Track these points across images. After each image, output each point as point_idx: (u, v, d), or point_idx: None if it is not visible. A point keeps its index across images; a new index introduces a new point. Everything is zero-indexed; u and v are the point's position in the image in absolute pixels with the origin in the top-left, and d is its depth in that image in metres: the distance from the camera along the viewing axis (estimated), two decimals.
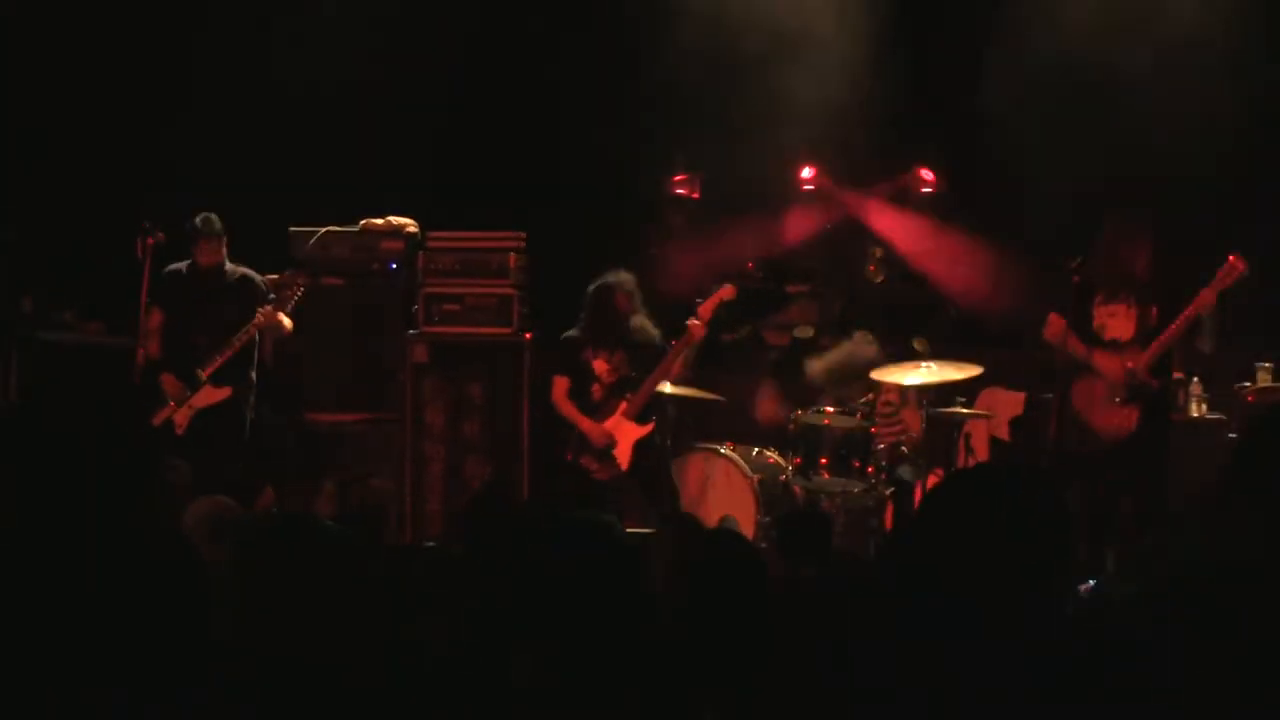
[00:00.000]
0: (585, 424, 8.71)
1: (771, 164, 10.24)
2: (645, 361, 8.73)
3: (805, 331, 10.14)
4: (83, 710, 2.60)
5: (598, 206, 9.91)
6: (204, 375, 8.56)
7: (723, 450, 9.23)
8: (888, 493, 8.91)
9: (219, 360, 8.57)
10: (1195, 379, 9.02)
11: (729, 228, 10.37)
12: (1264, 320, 8.75)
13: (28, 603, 2.75)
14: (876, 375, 9.05)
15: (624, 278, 8.75)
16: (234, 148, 10.05)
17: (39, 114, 10.08)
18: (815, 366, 9.43)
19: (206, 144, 10.03)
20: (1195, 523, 2.77)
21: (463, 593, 2.98)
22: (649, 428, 8.74)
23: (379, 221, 9.75)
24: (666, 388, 8.91)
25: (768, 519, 8.92)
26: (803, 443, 8.97)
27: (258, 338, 8.77)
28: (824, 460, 8.91)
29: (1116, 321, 7.94)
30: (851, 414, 9.07)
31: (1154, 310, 7.88)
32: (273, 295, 8.77)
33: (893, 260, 10.38)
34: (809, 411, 9.10)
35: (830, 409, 9.13)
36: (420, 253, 9.69)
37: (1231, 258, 7.66)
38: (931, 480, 8.67)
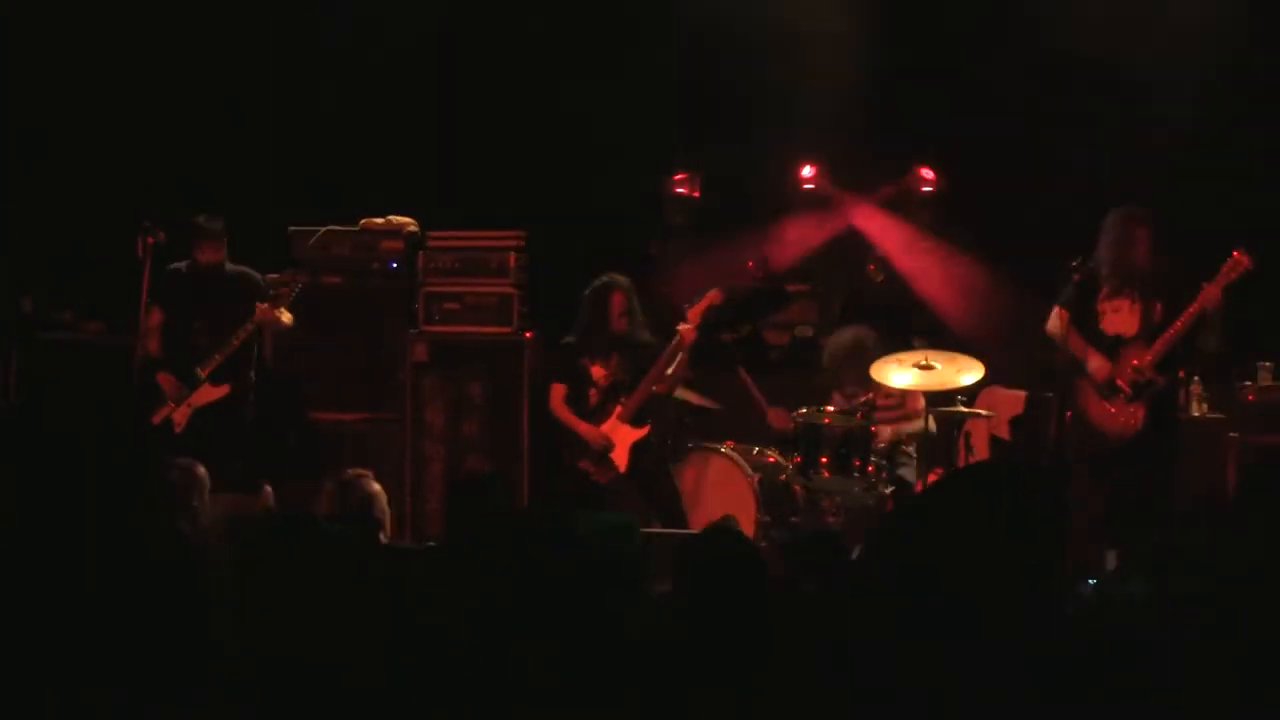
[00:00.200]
0: (583, 428, 8.71)
1: (772, 164, 10.25)
2: (640, 365, 8.73)
3: (805, 331, 10.14)
4: (83, 710, 2.61)
5: (598, 206, 9.91)
6: (203, 374, 8.56)
7: (723, 450, 9.22)
8: (888, 492, 8.91)
9: (218, 358, 8.57)
10: (1196, 378, 9.01)
11: (729, 228, 10.38)
12: (1264, 320, 8.73)
13: (28, 602, 2.75)
14: (878, 374, 9.05)
15: (620, 279, 8.75)
16: (233, 147, 10.06)
17: (39, 114, 10.07)
18: (828, 346, 9.48)
19: (206, 143, 10.04)
20: (1203, 525, 2.76)
21: (463, 592, 2.98)
22: (645, 430, 8.73)
23: (379, 221, 9.74)
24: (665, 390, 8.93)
25: (768, 518, 8.92)
26: (803, 442, 8.97)
27: (257, 336, 8.77)
28: (824, 459, 8.90)
29: (1120, 317, 7.93)
30: (852, 413, 9.07)
31: (1158, 306, 7.87)
32: (271, 292, 8.77)
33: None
34: (810, 411, 9.10)
35: (831, 408, 9.13)
36: (420, 252, 9.69)
37: (1236, 253, 7.65)
38: (932, 480, 8.67)
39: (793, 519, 9.03)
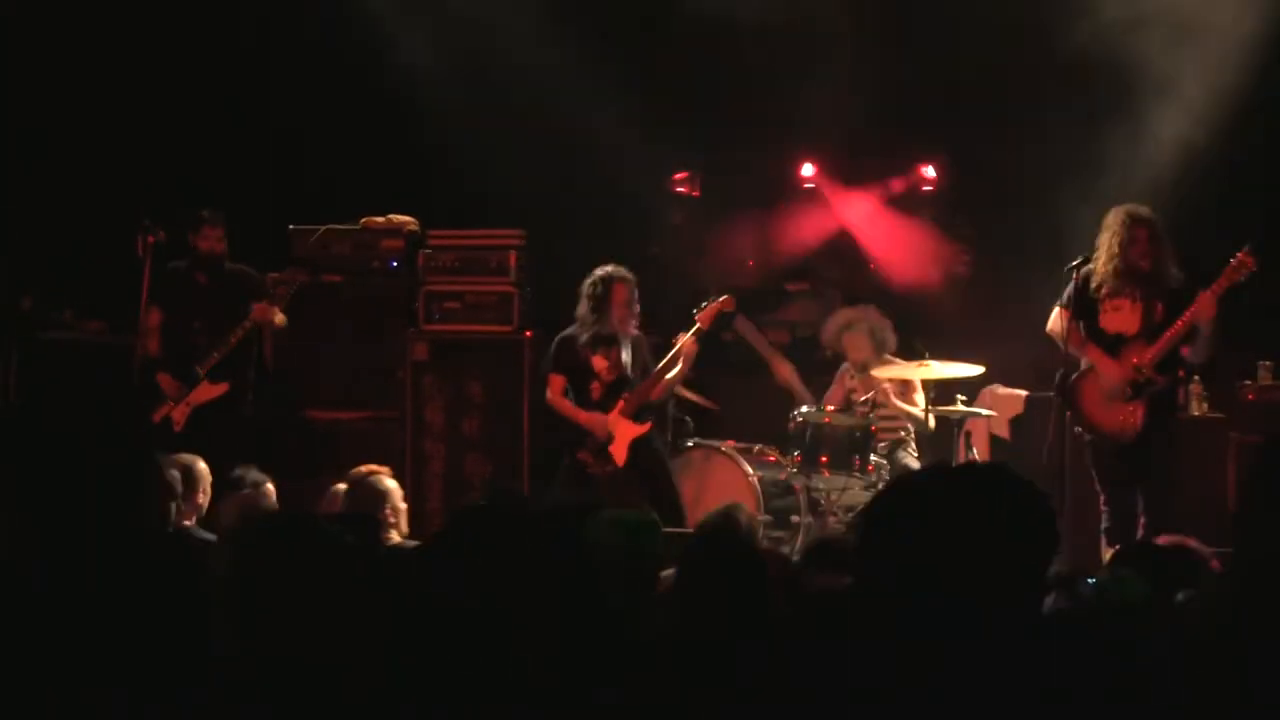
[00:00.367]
0: (583, 416, 8.70)
1: (772, 162, 10.25)
2: (644, 361, 8.74)
3: (805, 330, 10.14)
4: (83, 710, 2.60)
5: (598, 204, 9.91)
6: (202, 372, 8.56)
7: (723, 448, 9.23)
8: None
9: (216, 357, 8.57)
10: (1196, 377, 9.01)
11: (729, 226, 10.38)
12: (1264, 320, 8.72)
13: (27, 602, 2.75)
14: (879, 373, 9.05)
15: (623, 271, 8.76)
16: (233, 147, 10.05)
17: (39, 114, 10.07)
18: (832, 323, 9.49)
19: (206, 143, 10.03)
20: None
21: (462, 590, 2.97)
22: (645, 427, 8.73)
23: (379, 219, 9.75)
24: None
25: (768, 517, 8.92)
26: (803, 440, 8.98)
27: (256, 334, 8.78)
28: (824, 458, 8.91)
29: (1121, 315, 7.93)
30: (852, 412, 9.08)
31: (1159, 306, 7.87)
32: (270, 291, 8.78)
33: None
34: (810, 410, 9.11)
35: (831, 407, 9.14)
36: (420, 251, 9.69)
37: (1240, 254, 7.64)
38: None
39: (794, 519, 9.04)
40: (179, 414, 8.54)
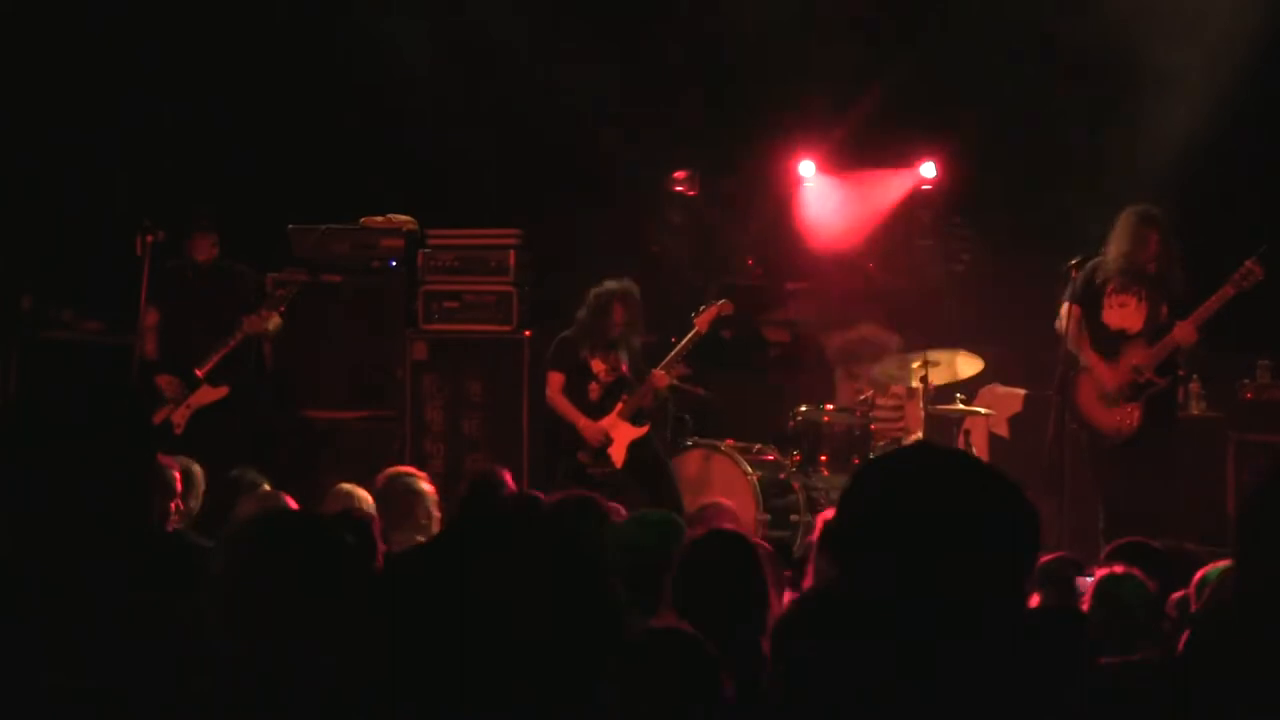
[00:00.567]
0: (582, 423, 8.71)
1: (772, 161, 10.24)
2: (642, 365, 8.74)
3: (804, 329, 10.14)
4: (80, 710, 2.60)
5: (597, 203, 9.90)
6: (201, 374, 8.56)
7: (722, 447, 9.23)
8: None
9: (214, 359, 8.56)
10: (1195, 377, 9.01)
11: (729, 225, 10.38)
12: (1264, 320, 8.71)
13: (26, 602, 2.75)
14: (879, 373, 9.06)
15: (628, 286, 8.72)
16: (233, 146, 10.05)
17: (38, 113, 10.06)
18: (833, 341, 9.49)
19: (206, 142, 10.03)
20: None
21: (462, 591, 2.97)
22: (644, 429, 8.74)
23: (378, 219, 9.75)
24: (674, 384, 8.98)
25: (767, 516, 8.92)
26: (802, 439, 8.98)
27: (253, 338, 8.78)
28: (823, 457, 8.92)
29: (1125, 312, 7.94)
30: (851, 411, 9.08)
31: (1163, 307, 7.88)
32: (267, 293, 8.77)
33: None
34: (809, 409, 9.11)
35: (830, 406, 9.14)
36: (420, 250, 9.69)
37: (1249, 262, 7.64)
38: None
39: (793, 517, 9.04)
40: (179, 416, 8.53)
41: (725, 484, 9.11)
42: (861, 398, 9.19)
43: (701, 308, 8.79)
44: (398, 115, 10.20)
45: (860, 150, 10.34)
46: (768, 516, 8.93)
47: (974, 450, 9.05)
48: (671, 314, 9.33)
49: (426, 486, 6.27)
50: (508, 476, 6.48)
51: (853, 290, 10.27)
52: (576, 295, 8.83)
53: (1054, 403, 8.12)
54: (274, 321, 8.79)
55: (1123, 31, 9.24)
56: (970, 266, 10.50)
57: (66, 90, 10.02)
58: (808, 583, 4.92)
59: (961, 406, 9.03)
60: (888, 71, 9.86)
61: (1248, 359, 8.95)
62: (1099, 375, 7.91)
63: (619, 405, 8.70)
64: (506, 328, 9.51)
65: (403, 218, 9.75)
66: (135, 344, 8.63)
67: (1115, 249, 7.92)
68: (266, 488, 6.44)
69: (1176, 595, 4.64)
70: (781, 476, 9.10)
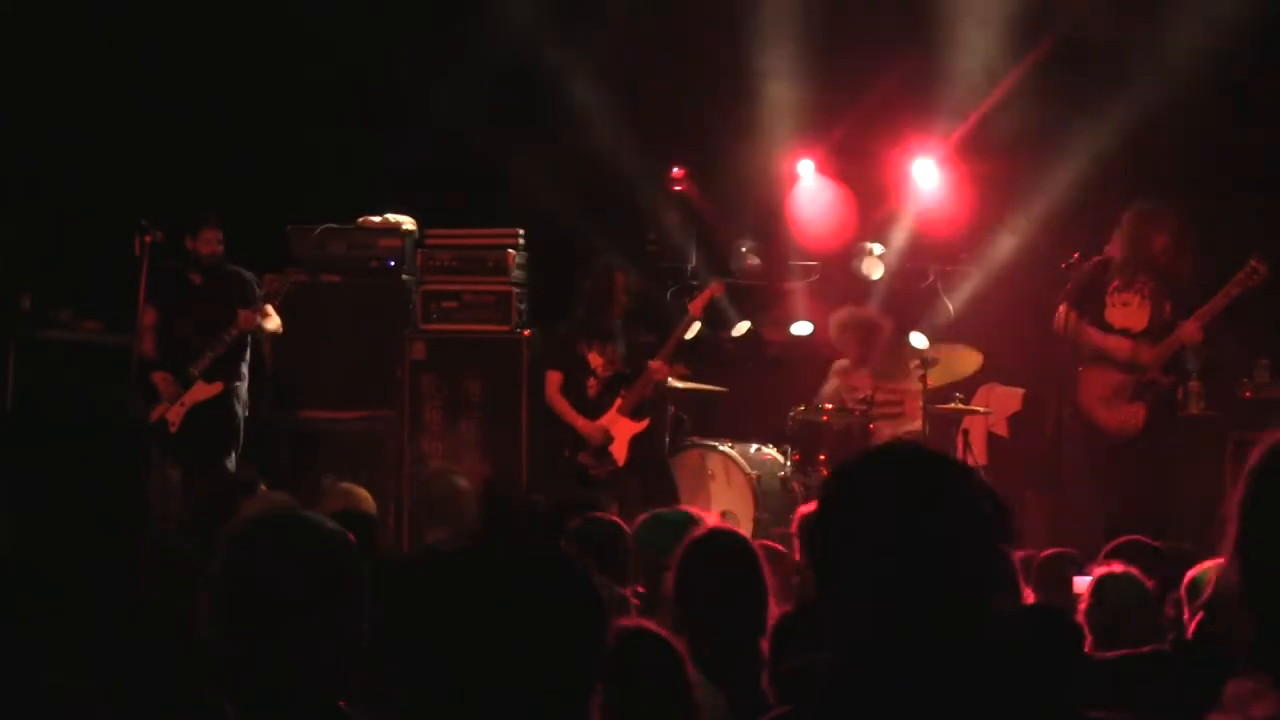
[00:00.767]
0: (580, 422, 8.69)
1: (770, 158, 10.23)
2: (640, 358, 8.74)
3: (803, 328, 10.13)
4: (77, 709, 2.60)
5: (595, 202, 9.90)
6: (195, 373, 8.57)
7: (721, 447, 9.23)
8: None
9: (210, 357, 8.57)
10: (1194, 375, 9.00)
11: (726, 223, 10.37)
12: (1264, 319, 8.71)
13: (25, 602, 2.75)
14: (881, 373, 9.06)
15: (622, 262, 8.79)
16: (232, 145, 10.05)
17: (38, 112, 10.06)
18: (839, 317, 9.50)
19: (205, 142, 10.03)
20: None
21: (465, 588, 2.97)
22: (644, 424, 8.73)
23: (376, 219, 9.75)
24: (674, 383, 8.98)
25: (765, 515, 8.93)
26: (801, 439, 8.98)
27: (249, 336, 8.79)
28: (822, 456, 8.91)
29: (1129, 310, 7.94)
30: (849, 410, 9.08)
31: (1168, 305, 7.87)
32: (261, 293, 8.78)
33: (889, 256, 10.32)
34: (807, 408, 9.11)
35: (829, 405, 9.14)
36: (418, 250, 9.69)
37: (1253, 260, 7.62)
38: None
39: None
40: (174, 414, 8.54)
41: (724, 483, 9.12)
42: (861, 397, 9.19)
43: (694, 294, 8.82)
44: (397, 115, 10.20)
45: (860, 149, 10.32)
46: (766, 516, 8.93)
47: (973, 450, 9.04)
48: (668, 311, 9.34)
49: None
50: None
51: (851, 289, 10.25)
52: (575, 294, 8.82)
53: (1053, 401, 8.12)
54: (274, 322, 8.80)
55: (1120, 15, 9.21)
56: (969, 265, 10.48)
57: (66, 90, 10.02)
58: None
59: (960, 405, 9.03)
60: (888, 69, 9.84)
61: (1247, 358, 8.95)
62: (1111, 349, 7.83)
63: (618, 401, 8.69)
64: (505, 328, 9.51)
65: (401, 217, 9.75)
66: (133, 344, 8.64)
67: (1121, 246, 7.90)
68: (263, 488, 6.45)
69: (1174, 594, 4.64)
70: (781, 475, 9.11)
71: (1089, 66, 9.49)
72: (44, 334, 9.57)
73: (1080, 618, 4.38)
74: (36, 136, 10.01)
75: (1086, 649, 4.19)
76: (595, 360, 8.74)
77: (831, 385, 9.51)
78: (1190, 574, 4.47)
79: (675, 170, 10.41)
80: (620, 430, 8.68)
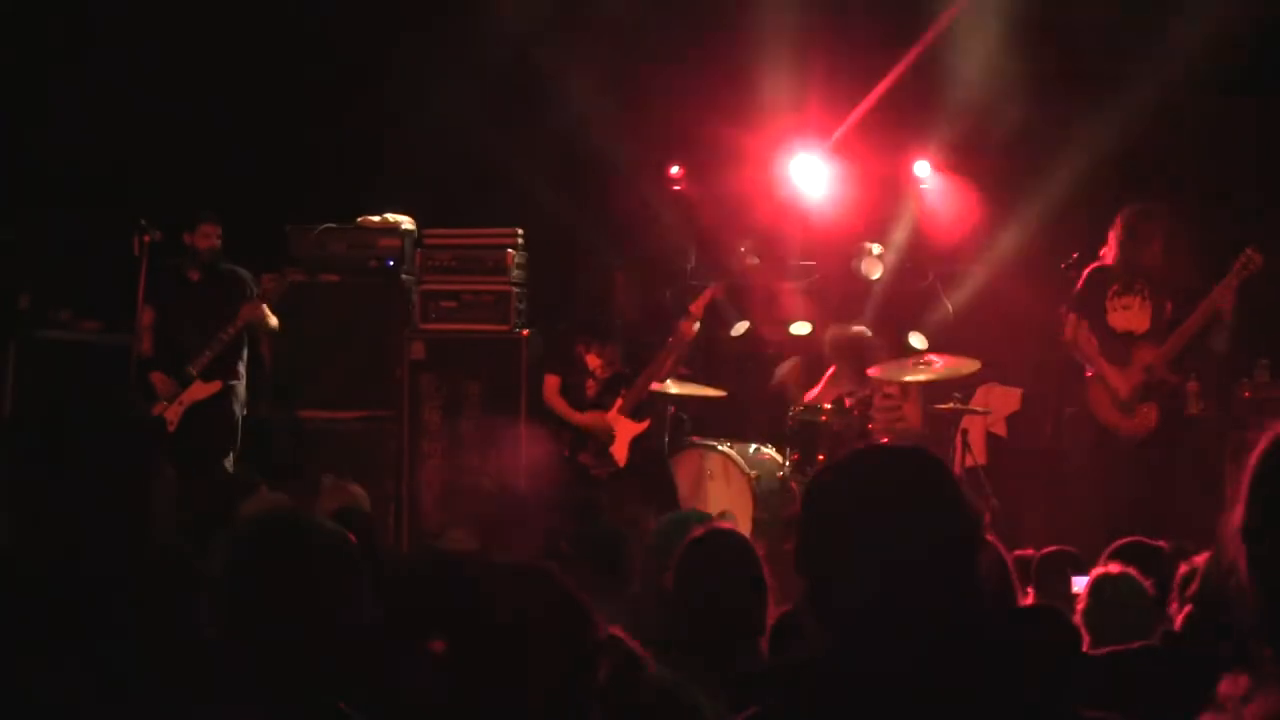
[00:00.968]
0: (578, 417, 8.69)
1: (769, 157, 10.23)
2: (639, 358, 8.74)
3: (802, 328, 10.13)
4: (78, 709, 2.60)
5: (594, 201, 9.90)
6: (194, 371, 8.58)
7: (720, 447, 9.23)
8: None
9: (208, 355, 8.59)
10: (1193, 375, 9.00)
11: (725, 222, 10.37)
12: (1263, 318, 8.71)
13: (24, 602, 2.75)
14: (880, 372, 9.05)
15: (622, 263, 8.79)
16: (231, 145, 10.05)
17: (37, 112, 10.06)
18: (830, 333, 9.48)
19: (205, 142, 10.03)
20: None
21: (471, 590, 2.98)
22: (644, 425, 8.73)
23: (375, 219, 9.75)
24: (671, 387, 8.96)
25: (764, 515, 8.92)
26: (800, 439, 8.98)
27: (249, 333, 8.80)
28: (821, 456, 8.90)
29: (1130, 314, 7.94)
30: (849, 411, 9.08)
31: (1168, 305, 7.88)
32: (258, 290, 8.79)
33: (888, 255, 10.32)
34: (806, 408, 9.11)
35: (828, 405, 9.13)
36: (417, 250, 9.69)
37: (1248, 250, 7.63)
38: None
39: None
40: (172, 413, 8.55)
41: (723, 483, 9.12)
42: (860, 396, 9.18)
43: (694, 293, 8.82)
44: (397, 115, 10.20)
45: (859, 149, 10.32)
46: (765, 516, 8.93)
47: (972, 450, 9.04)
48: (667, 311, 9.33)
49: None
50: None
51: (851, 289, 10.25)
52: (574, 294, 8.83)
53: (1052, 401, 8.12)
54: (273, 319, 8.81)
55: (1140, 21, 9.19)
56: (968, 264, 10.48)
57: (66, 90, 10.02)
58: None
59: (959, 405, 9.02)
60: (886, 66, 9.84)
61: (1246, 357, 8.95)
62: (1113, 384, 7.88)
63: (618, 401, 8.69)
64: (504, 327, 9.50)
65: (400, 217, 9.75)
66: (133, 343, 8.64)
67: (1117, 249, 7.90)
68: (263, 488, 6.45)
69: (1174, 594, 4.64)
70: (779, 476, 9.11)
71: (1088, 67, 9.49)
72: (44, 334, 9.57)
73: (1078, 618, 4.39)
74: (37, 136, 10.01)
75: (1085, 649, 4.19)
76: (594, 361, 8.74)
77: (821, 389, 9.48)
78: (1182, 569, 4.48)
79: (675, 170, 10.42)
80: (620, 430, 8.68)
